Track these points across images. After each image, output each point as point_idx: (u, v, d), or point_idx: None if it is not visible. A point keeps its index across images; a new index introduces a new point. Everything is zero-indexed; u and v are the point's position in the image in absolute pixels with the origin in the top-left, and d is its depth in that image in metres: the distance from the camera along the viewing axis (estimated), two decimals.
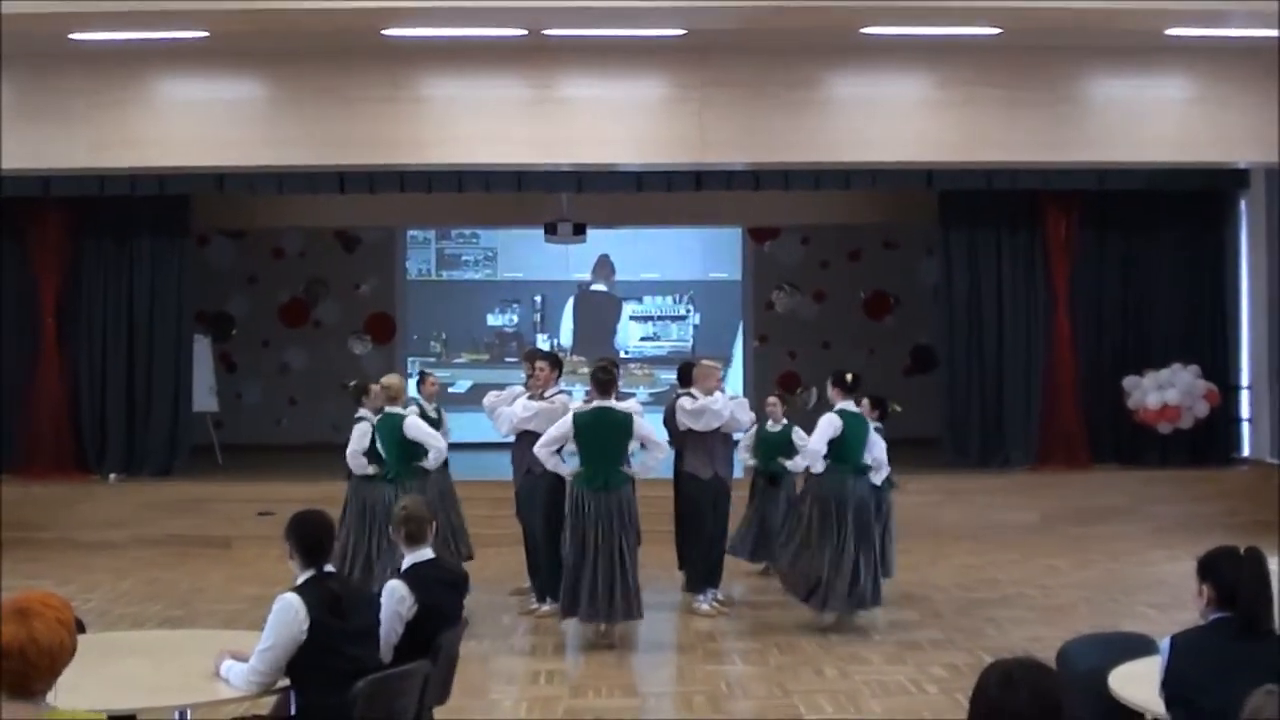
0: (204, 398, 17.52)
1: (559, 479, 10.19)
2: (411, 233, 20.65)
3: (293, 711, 5.51)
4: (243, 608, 10.75)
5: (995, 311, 16.52)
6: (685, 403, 10.95)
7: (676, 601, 11.15)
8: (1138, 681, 5.11)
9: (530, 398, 10.79)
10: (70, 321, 16.24)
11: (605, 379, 10.03)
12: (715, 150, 13.29)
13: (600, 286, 20.93)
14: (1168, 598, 11.01)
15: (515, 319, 20.94)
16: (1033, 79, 13.13)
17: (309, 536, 5.53)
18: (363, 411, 10.71)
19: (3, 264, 16.06)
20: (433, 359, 20.06)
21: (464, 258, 20.93)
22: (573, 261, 20.42)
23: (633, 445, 9.97)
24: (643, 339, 21.03)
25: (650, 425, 10.17)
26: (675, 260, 20.87)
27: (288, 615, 5.31)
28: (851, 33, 12.41)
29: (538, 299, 20.93)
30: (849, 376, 10.30)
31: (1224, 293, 16.74)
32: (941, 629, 10.24)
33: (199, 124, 13.06)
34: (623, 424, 9.84)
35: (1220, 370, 16.34)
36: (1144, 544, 14.03)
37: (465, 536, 11.45)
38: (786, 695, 8.45)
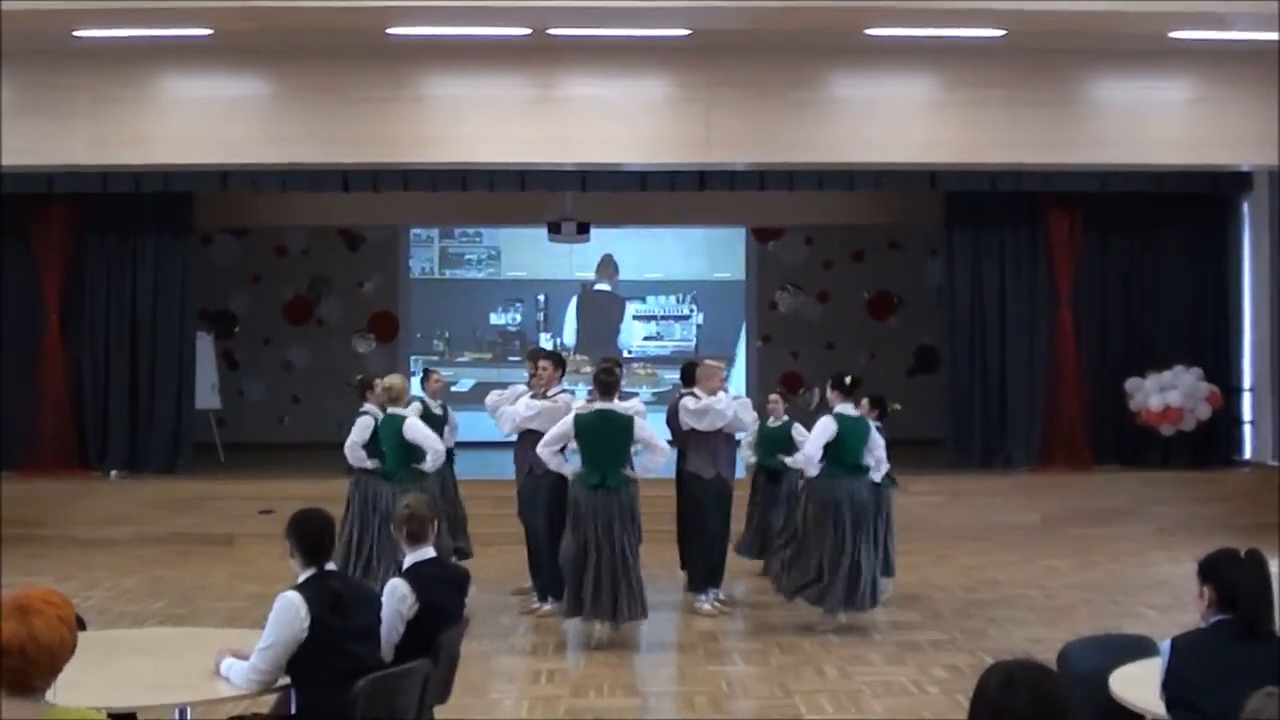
0: (206, 395, 17.53)
1: (561, 478, 10.19)
2: (415, 231, 20.66)
3: (293, 710, 5.51)
4: (244, 606, 10.75)
5: (998, 312, 16.52)
6: (689, 402, 10.95)
7: (678, 601, 11.14)
8: (1138, 683, 5.10)
9: (533, 397, 10.78)
10: (73, 318, 16.25)
11: (608, 380, 10.03)
12: (719, 150, 13.30)
13: (604, 286, 20.93)
14: (1169, 599, 11.00)
15: (518, 318, 20.94)
16: (1036, 81, 13.14)
17: (309, 535, 5.52)
18: (368, 406, 10.74)
19: (6, 261, 16.07)
20: (436, 358, 20.06)
21: (467, 256, 20.94)
22: (576, 261, 20.43)
23: (634, 446, 9.97)
24: (646, 339, 21.03)
25: (651, 428, 10.15)
26: (679, 260, 20.88)
27: (289, 613, 5.30)
28: (856, 34, 12.42)
29: (541, 298, 20.94)
30: (848, 379, 10.30)
31: (1226, 295, 16.74)
32: (943, 630, 10.24)
33: (202, 122, 13.08)
34: (624, 426, 9.84)
35: (1222, 372, 16.34)
36: (1145, 545, 14.03)
37: (465, 536, 11.47)
38: (788, 695, 8.44)
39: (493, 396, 11.36)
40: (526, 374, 11.42)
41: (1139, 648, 5.64)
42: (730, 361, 19.55)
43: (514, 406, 10.85)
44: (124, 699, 5.16)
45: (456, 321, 20.81)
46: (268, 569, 12.08)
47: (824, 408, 10.41)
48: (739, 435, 11.61)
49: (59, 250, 16.06)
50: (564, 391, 10.94)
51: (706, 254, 20.94)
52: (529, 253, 20.42)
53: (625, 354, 20.33)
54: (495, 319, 20.92)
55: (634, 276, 20.91)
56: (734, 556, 11.57)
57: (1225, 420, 16.39)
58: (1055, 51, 12.92)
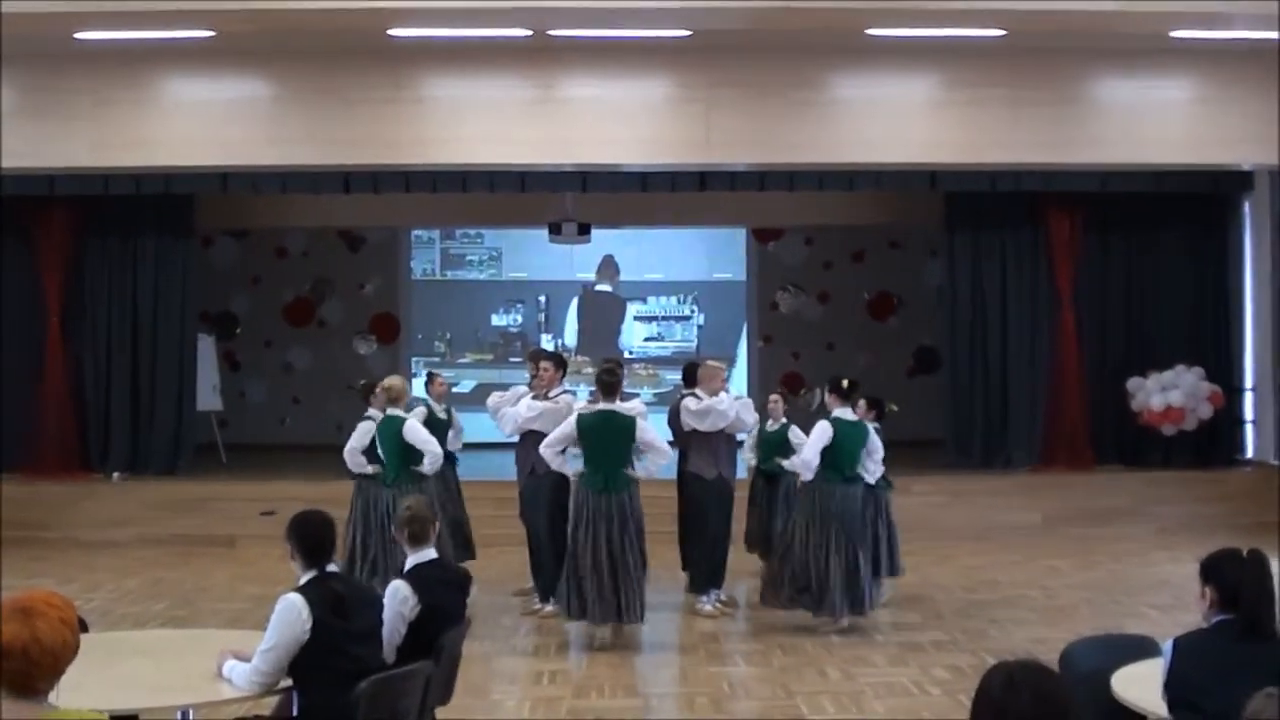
0: (208, 397, 17.53)
1: (563, 479, 10.20)
2: (416, 232, 20.66)
3: (295, 712, 5.51)
4: (246, 607, 10.76)
5: (999, 313, 16.51)
6: (690, 403, 10.95)
7: (679, 602, 11.14)
8: (1140, 683, 5.11)
9: (535, 398, 10.78)
10: (74, 320, 16.25)
11: (610, 381, 10.04)
12: (719, 151, 13.30)
13: (605, 287, 20.93)
14: (1170, 599, 11.01)
15: (519, 319, 20.94)
16: (1037, 80, 13.14)
17: (310, 537, 5.53)
18: (371, 410, 10.73)
19: (8, 263, 16.07)
20: (437, 359, 20.06)
21: (468, 258, 20.94)
22: (577, 261, 20.42)
23: (635, 448, 9.97)
24: (647, 339, 21.03)
25: (654, 429, 10.16)
26: (679, 261, 20.87)
27: (290, 615, 5.31)
28: (856, 34, 12.41)
29: (542, 299, 20.94)
30: (845, 383, 10.31)
31: (1228, 294, 16.73)
32: (944, 630, 10.24)
33: (203, 124, 13.08)
34: (627, 427, 9.85)
35: (1224, 372, 16.33)
36: (1147, 545, 14.03)
37: (467, 545, 11.47)
38: (789, 696, 8.45)
39: (494, 398, 11.37)
40: (528, 375, 11.41)
41: (1141, 648, 5.64)
42: (731, 362, 19.54)
43: (515, 408, 10.86)
44: (126, 701, 5.17)
45: (458, 323, 20.81)
46: (269, 570, 12.08)
47: (824, 409, 10.41)
48: (740, 436, 11.60)
49: (60, 252, 16.06)
50: (565, 392, 10.95)
51: (707, 254, 20.94)
52: (530, 254, 20.41)
53: (626, 355, 20.33)
54: (496, 320, 20.92)
55: (635, 277, 20.90)
56: (736, 557, 11.54)
57: (1227, 420, 16.37)
58: (1056, 51, 12.92)
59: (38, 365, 15.99)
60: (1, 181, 13.81)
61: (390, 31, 12.19)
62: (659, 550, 10.78)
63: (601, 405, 9.95)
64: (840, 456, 10.04)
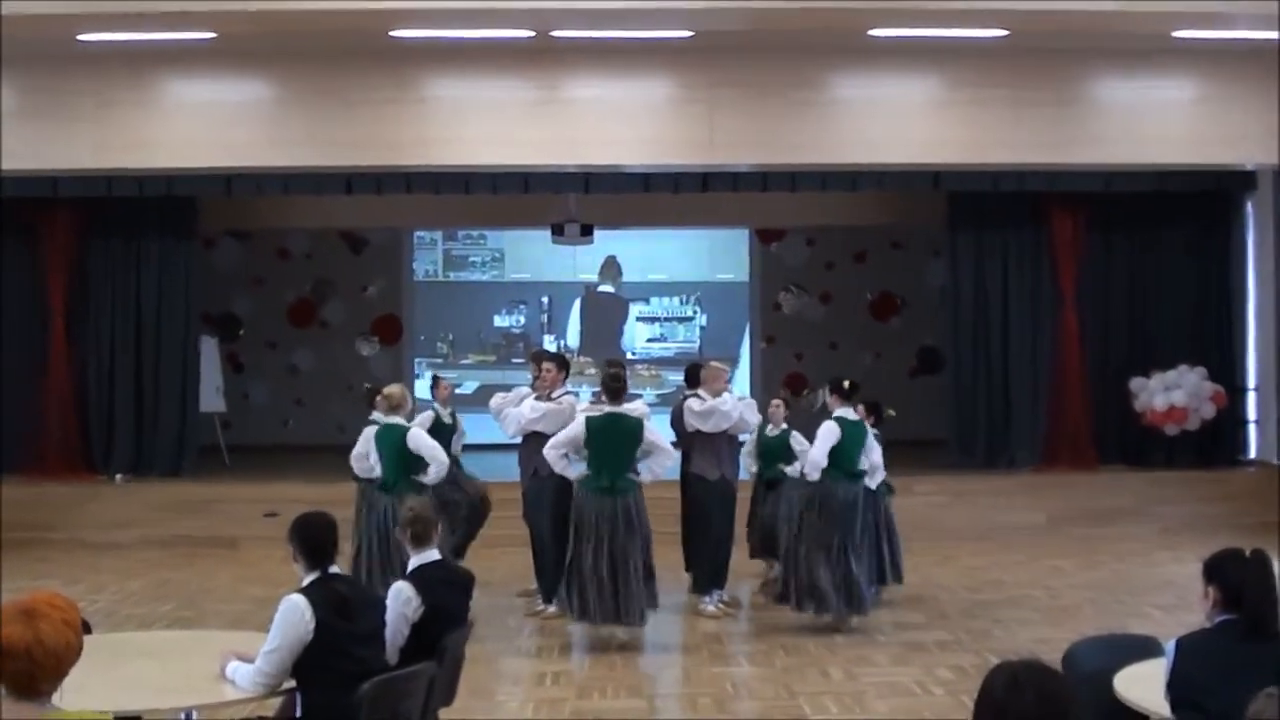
0: (211, 398, 17.54)
1: (566, 481, 10.19)
2: (418, 234, 20.66)
3: (298, 712, 5.51)
4: (250, 608, 10.76)
5: (1001, 313, 16.50)
6: (694, 404, 10.95)
7: (682, 603, 11.14)
8: (1143, 683, 5.11)
9: (537, 399, 10.78)
10: (78, 322, 16.26)
11: (616, 385, 10.04)
12: (722, 151, 13.31)
13: (607, 288, 20.94)
14: (1174, 599, 11.00)
15: (522, 320, 20.94)
16: (1039, 80, 13.15)
17: (312, 538, 5.53)
18: (375, 415, 10.65)
19: (11, 264, 16.08)
20: (440, 360, 20.08)
21: (471, 259, 20.94)
22: (579, 262, 20.43)
23: (640, 450, 9.96)
24: (650, 340, 21.03)
25: (659, 431, 10.18)
26: (682, 261, 20.88)
27: (294, 616, 5.31)
28: (858, 34, 12.42)
29: (545, 300, 20.94)
30: (847, 383, 10.34)
31: (1230, 294, 16.71)
32: (948, 630, 10.24)
33: (205, 125, 13.09)
34: (634, 429, 9.86)
35: (1227, 372, 16.32)
36: (1150, 545, 14.01)
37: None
38: (792, 697, 8.45)
39: (497, 399, 11.36)
40: (530, 376, 11.41)
41: (1144, 648, 5.64)
42: (734, 363, 19.53)
43: (519, 409, 10.85)
44: (130, 702, 5.17)
45: (460, 324, 20.81)
46: (272, 572, 12.06)
47: (826, 410, 10.41)
48: (742, 437, 11.59)
49: (63, 254, 16.07)
50: (568, 393, 10.95)
51: (709, 255, 20.94)
52: (533, 255, 20.42)
53: (629, 356, 20.32)
54: (499, 321, 20.92)
55: (637, 278, 20.91)
56: (738, 558, 11.54)
57: (1230, 420, 16.37)
58: (1057, 51, 12.92)
59: (41, 367, 16.00)
60: (4, 183, 13.82)
61: (392, 32, 12.20)
62: (662, 551, 10.76)
63: (608, 408, 9.95)
64: (843, 455, 10.06)
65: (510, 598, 11.31)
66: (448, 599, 6.15)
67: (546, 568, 10.77)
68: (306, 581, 5.48)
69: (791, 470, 11.10)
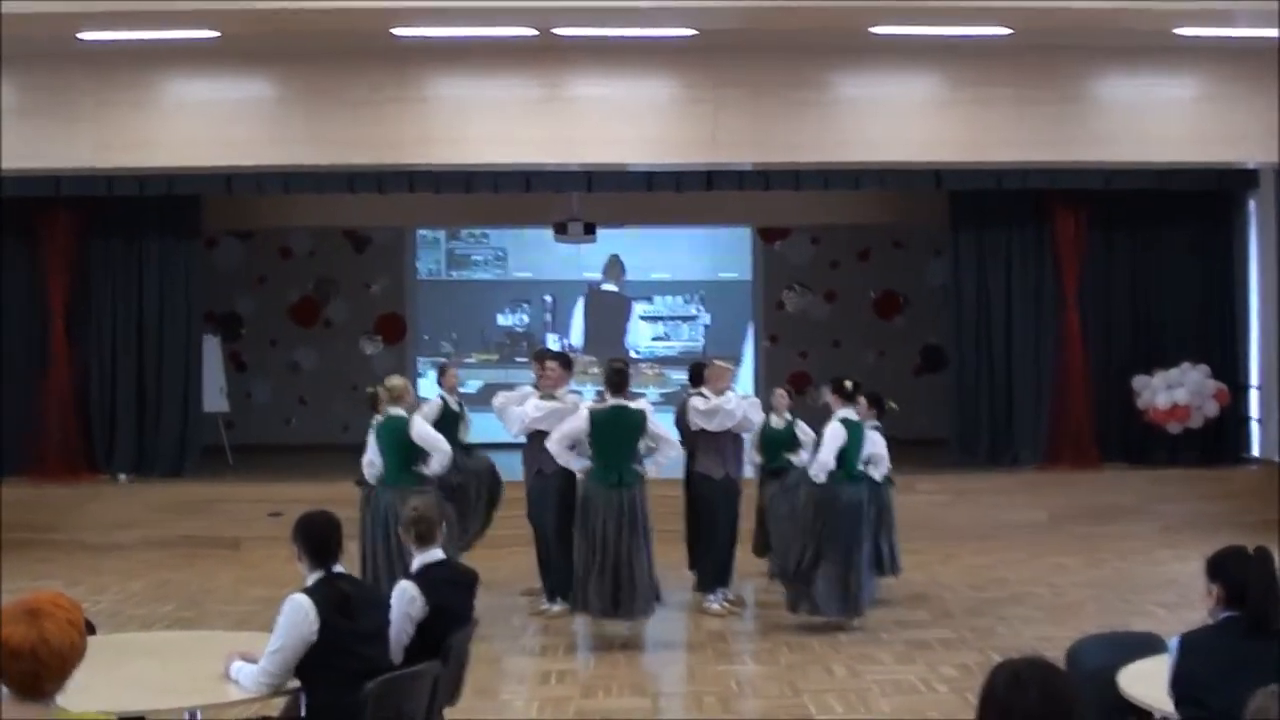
0: (214, 398, 17.53)
1: (570, 479, 10.20)
2: (421, 232, 20.66)
3: (303, 712, 5.52)
4: (253, 609, 10.76)
5: (1004, 311, 16.48)
6: (698, 402, 10.96)
7: (687, 601, 11.15)
8: (1146, 680, 5.12)
9: (541, 397, 10.79)
10: (79, 323, 16.24)
11: (619, 379, 10.06)
12: (725, 150, 13.30)
13: (610, 286, 20.93)
14: (1176, 597, 11.00)
15: (525, 319, 20.94)
16: (1041, 79, 13.13)
17: (316, 537, 5.53)
18: (379, 419, 10.60)
19: (11, 265, 16.07)
20: (443, 359, 20.05)
21: (474, 258, 20.94)
22: (583, 261, 20.43)
23: (643, 444, 9.98)
24: (653, 339, 21.02)
25: (662, 424, 10.20)
26: (685, 260, 20.87)
27: (298, 616, 5.32)
28: (860, 33, 12.41)
29: (548, 299, 20.93)
30: (848, 384, 10.36)
31: (1233, 292, 16.70)
32: (951, 628, 10.24)
33: (206, 124, 13.07)
34: (637, 422, 9.91)
35: (1229, 369, 16.30)
36: (1153, 543, 14.01)
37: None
38: (796, 695, 8.46)
39: (500, 398, 11.37)
40: (534, 375, 11.42)
41: (1147, 645, 5.65)
42: (738, 362, 19.51)
43: (522, 407, 10.87)
44: (133, 702, 5.18)
45: (464, 323, 20.81)
46: (275, 572, 12.08)
47: (827, 411, 10.42)
48: (746, 435, 11.58)
49: (64, 254, 16.05)
50: (572, 392, 10.96)
51: (713, 254, 20.93)
52: (536, 253, 20.41)
53: (633, 354, 20.31)
54: (502, 320, 20.91)
55: (640, 277, 20.90)
56: (743, 556, 11.54)
57: (1233, 418, 16.36)
58: (1060, 49, 12.90)
59: (42, 368, 15.99)
60: (4, 183, 13.82)
61: (394, 31, 12.20)
62: (666, 550, 10.79)
63: (612, 401, 9.97)
64: (846, 457, 10.08)
65: (514, 597, 11.32)
66: (452, 598, 6.15)
67: (551, 566, 10.79)
68: (310, 581, 5.48)
69: (798, 460, 11.08)
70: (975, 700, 3.22)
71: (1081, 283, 16.30)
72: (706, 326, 20.93)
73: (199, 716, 5.46)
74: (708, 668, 9.24)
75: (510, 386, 12.17)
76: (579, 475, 10.03)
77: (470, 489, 11.30)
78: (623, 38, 12.61)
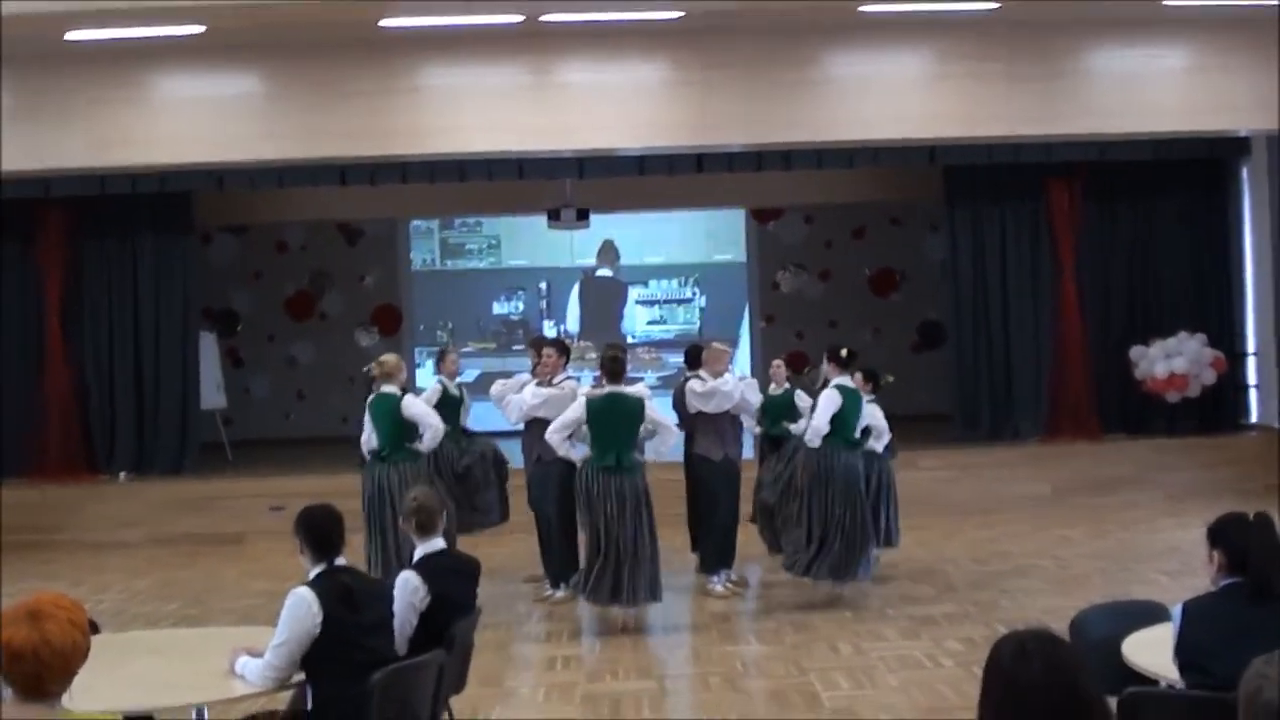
0: (212, 394, 17.52)
1: (570, 465, 10.19)
2: (415, 223, 20.65)
3: (309, 705, 5.52)
4: (257, 603, 10.76)
5: (1001, 285, 16.48)
6: (695, 385, 10.96)
7: (690, 583, 11.16)
8: (1151, 648, 5.12)
9: (539, 384, 10.79)
10: (75, 322, 16.22)
11: (615, 365, 10.05)
12: (716, 132, 13.29)
13: (605, 271, 20.93)
14: (1179, 565, 11.02)
15: (521, 306, 20.94)
16: (1033, 52, 13.12)
17: (318, 530, 5.53)
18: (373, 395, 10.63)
19: (6, 265, 16.03)
20: (439, 349, 20.04)
21: (468, 246, 20.94)
22: (577, 247, 20.42)
23: (642, 429, 9.98)
24: (649, 323, 21.03)
25: (660, 411, 10.20)
26: (679, 243, 20.88)
27: (301, 610, 5.32)
28: (850, 11, 12.39)
29: (543, 286, 20.93)
30: (844, 351, 10.41)
31: (1228, 260, 16.71)
32: (956, 603, 10.25)
33: (198, 121, 13.06)
34: (635, 408, 9.88)
35: (1226, 337, 16.31)
36: (1155, 512, 14.04)
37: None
38: (803, 673, 8.46)
39: (498, 386, 11.37)
40: (530, 363, 11.41)
41: (1151, 614, 5.66)
42: (734, 343, 19.52)
43: (520, 395, 10.87)
44: (140, 700, 5.18)
45: (459, 312, 20.82)
46: (278, 566, 12.08)
47: (825, 379, 10.48)
48: (744, 417, 11.57)
49: (59, 253, 16.01)
50: (569, 378, 10.96)
51: (707, 236, 20.94)
52: (530, 241, 20.42)
53: (629, 339, 20.32)
54: (498, 308, 20.92)
55: (635, 261, 20.90)
56: (745, 537, 11.53)
57: (1230, 385, 16.36)
58: (1050, 22, 12.89)
59: (39, 368, 15.97)
60: (1, 186, 13.78)
61: (383, 22, 12.17)
62: (668, 533, 10.79)
63: (609, 388, 9.96)
64: (842, 423, 10.13)
65: (518, 584, 11.32)
66: (455, 587, 6.16)
67: (553, 553, 10.80)
68: (313, 574, 5.48)
69: (796, 428, 11.09)
70: (981, 673, 3.22)
71: (1078, 255, 16.29)
72: (702, 309, 20.94)
73: (206, 713, 5.47)
74: (713, 649, 9.24)
75: (507, 374, 12.17)
76: (580, 462, 10.02)
77: (476, 470, 11.32)
78: (610, 22, 12.58)
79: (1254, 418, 16.60)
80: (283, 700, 5.81)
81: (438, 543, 6.27)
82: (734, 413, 11.06)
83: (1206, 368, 15.74)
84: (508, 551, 12.00)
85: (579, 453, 9.97)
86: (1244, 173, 16.57)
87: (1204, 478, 14.90)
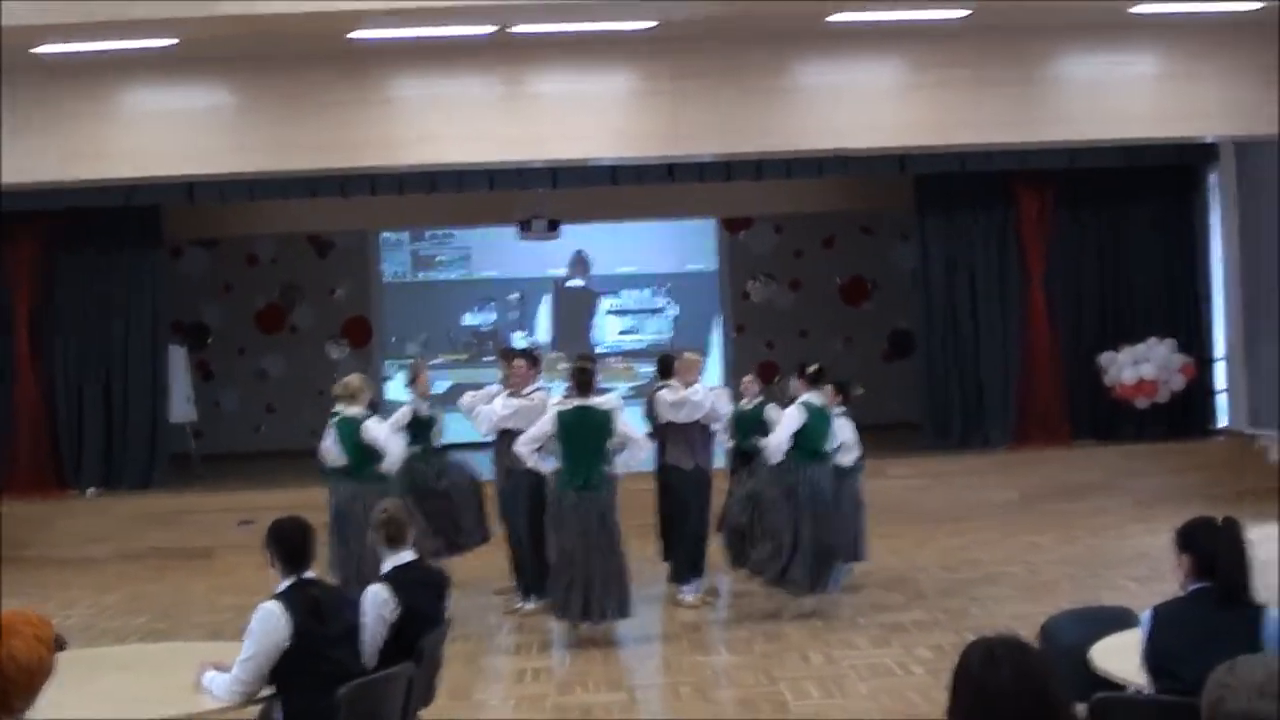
0: (182, 408, 17.44)
1: (540, 477, 10.17)
2: (385, 235, 20.60)
3: (278, 718, 5.49)
4: (226, 618, 10.69)
5: (971, 293, 16.53)
6: (666, 394, 10.96)
7: (661, 593, 11.14)
8: (1119, 654, 5.14)
9: (510, 395, 10.77)
10: (44, 336, 16.11)
11: (584, 378, 10.02)
12: (687, 142, 13.27)
13: (577, 282, 20.91)
14: (1148, 570, 11.05)
15: (492, 318, 20.91)
16: (1002, 59, 13.14)
17: (288, 543, 5.52)
18: (339, 407, 10.53)
19: None
20: (410, 361, 19.98)
21: (439, 258, 20.90)
22: (548, 258, 20.39)
23: (613, 442, 9.95)
24: (621, 333, 21.02)
25: (630, 422, 10.18)
26: (651, 253, 20.86)
27: (269, 624, 5.29)
28: (819, 20, 12.40)
29: (515, 297, 20.89)
30: (811, 370, 10.44)
31: (1196, 266, 16.81)
32: (925, 610, 10.27)
33: (167, 134, 12.97)
34: (604, 421, 9.85)
35: (1195, 343, 16.39)
36: (1124, 518, 14.09)
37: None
38: (773, 682, 8.46)
39: (467, 398, 11.35)
40: (500, 374, 11.38)
41: (1120, 619, 5.67)
42: (705, 353, 19.50)
43: (490, 406, 10.84)
44: (107, 716, 5.14)
45: (430, 324, 20.76)
46: (248, 580, 12.00)
47: (793, 396, 10.48)
48: (715, 426, 11.55)
49: (27, 267, 15.91)
50: (539, 389, 10.93)
51: (678, 246, 20.93)
52: (501, 252, 20.37)
53: (600, 349, 20.30)
54: (469, 319, 20.88)
55: (606, 271, 20.89)
56: (715, 546, 11.51)
57: (1199, 391, 16.45)
58: (1020, 29, 12.91)
59: (7, 383, 15.86)
60: None
61: (352, 35, 12.13)
62: (638, 543, 10.78)
63: (578, 401, 9.93)
64: (808, 438, 10.13)
65: (488, 595, 11.29)
66: (423, 600, 6.13)
67: (524, 564, 10.78)
68: (281, 587, 5.46)
69: (764, 444, 11.08)
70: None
71: (1048, 262, 16.36)
72: (675, 319, 20.93)
73: None
74: (683, 659, 9.23)
75: (478, 386, 12.12)
76: (549, 478, 9.99)
77: (454, 494, 11.25)
78: (581, 32, 12.56)
79: (1223, 423, 16.69)
80: (251, 714, 5.78)
81: (406, 555, 6.25)
82: (705, 422, 11.06)
83: (1175, 373, 15.81)
84: (478, 563, 11.95)
85: (548, 465, 9.94)
86: (1212, 179, 16.67)
87: (1173, 483, 14.95)
